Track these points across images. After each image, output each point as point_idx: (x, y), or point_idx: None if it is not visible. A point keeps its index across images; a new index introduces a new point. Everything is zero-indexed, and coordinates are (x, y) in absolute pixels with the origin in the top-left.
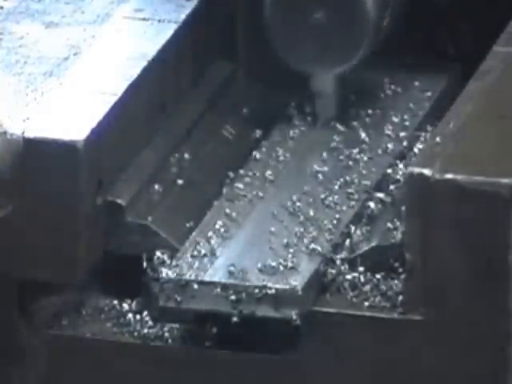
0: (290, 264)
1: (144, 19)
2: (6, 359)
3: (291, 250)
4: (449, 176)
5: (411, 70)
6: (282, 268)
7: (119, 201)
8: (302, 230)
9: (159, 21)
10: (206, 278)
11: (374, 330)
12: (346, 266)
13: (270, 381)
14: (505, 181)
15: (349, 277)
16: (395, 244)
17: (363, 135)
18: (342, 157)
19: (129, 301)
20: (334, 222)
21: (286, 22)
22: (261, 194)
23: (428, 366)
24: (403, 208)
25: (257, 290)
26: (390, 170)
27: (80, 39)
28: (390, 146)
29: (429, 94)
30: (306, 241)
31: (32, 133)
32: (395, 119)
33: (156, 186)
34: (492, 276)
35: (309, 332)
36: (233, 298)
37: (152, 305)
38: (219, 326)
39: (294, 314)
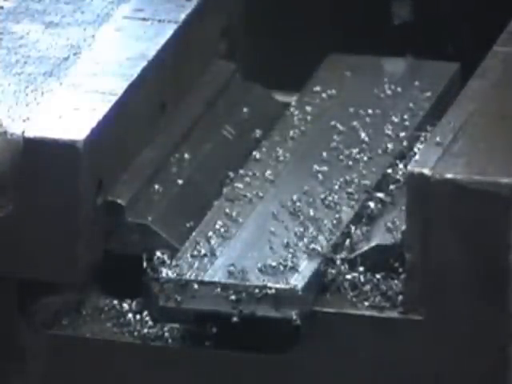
0: (290, 264)
1: (144, 19)
2: (6, 359)
3: (291, 250)
4: (449, 176)
5: (411, 70)
6: (282, 268)
7: (119, 201)
8: (301, 229)
9: (159, 21)
10: (206, 278)
11: (373, 330)
12: (346, 266)
13: (270, 381)
14: (505, 181)
15: (349, 277)
16: (395, 244)
17: (363, 135)
18: (341, 157)
19: (129, 301)
20: (334, 221)
21: None
22: (261, 194)
23: (428, 366)
24: (403, 208)
25: (257, 290)
26: (389, 170)
27: (80, 39)
28: (389, 146)
29: (429, 94)
30: (305, 241)
31: (32, 133)
32: (395, 119)
33: (156, 186)
34: (492, 276)
35: (309, 332)
36: (233, 298)
37: (152, 305)
38: (219, 326)
39: (294, 314)
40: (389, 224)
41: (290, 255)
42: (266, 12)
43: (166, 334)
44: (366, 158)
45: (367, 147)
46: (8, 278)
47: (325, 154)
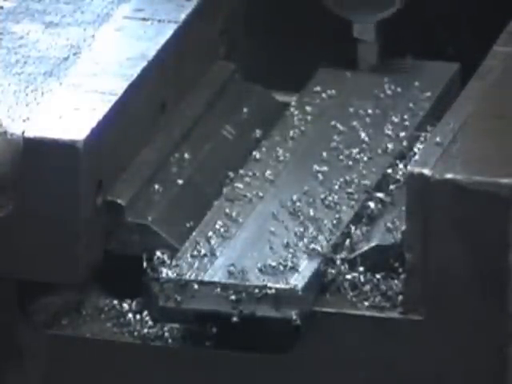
0: (290, 264)
1: (144, 19)
2: (6, 359)
3: (291, 250)
4: (449, 176)
5: (411, 70)
6: (281, 268)
7: (119, 201)
8: (301, 229)
9: (159, 21)
10: (206, 278)
11: (373, 329)
12: (346, 266)
13: (270, 381)
14: (505, 181)
15: (349, 277)
16: (395, 244)
17: (363, 135)
18: (342, 157)
19: (129, 301)
20: (334, 221)
21: None
22: (261, 194)
23: (428, 366)
24: (403, 208)
25: (257, 290)
26: (389, 170)
27: (80, 39)
28: (389, 146)
29: (429, 94)
30: (305, 241)
31: (32, 133)
32: (395, 119)
33: (156, 186)
34: (492, 276)
35: (309, 332)
36: (233, 298)
37: (152, 305)
38: (219, 326)
39: (294, 314)
40: (389, 224)
41: (290, 255)
42: (266, 12)
43: (166, 334)
44: (365, 158)
45: (367, 147)
46: (8, 278)
47: (325, 154)
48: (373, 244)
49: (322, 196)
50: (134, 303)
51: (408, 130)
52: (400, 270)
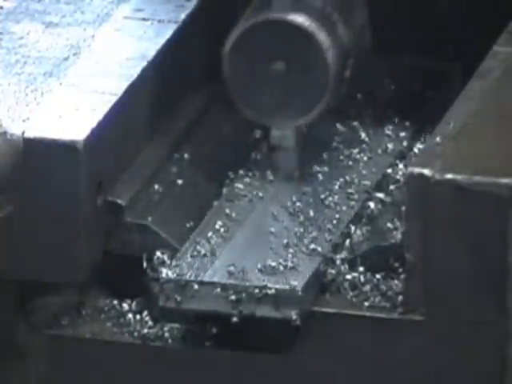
0: (290, 264)
1: (144, 19)
2: (6, 359)
3: (291, 250)
4: (449, 176)
5: (411, 70)
6: (282, 268)
7: (119, 201)
8: (301, 230)
9: (159, 21)
10: (206, 278)
11: (374, 329)
12: (346, 266)
13: (270, 381)
14: (505, 181)
15: (349, 277)
16: (395, 244)
17: (363, 135)
18: (341, 157)
19: (129, 301)
20: (334, 222)
21: (245, 73)
22: (261, 194)
23: (428, 366)
24: (403, 208)
25: (257, 290)
26: (389, 170)
27: (80, 39)
28: (389, 145)
29: (429, 94)
30: (306, 241)
31: (32, 133)
32: (395, 119)
33: (156, 186)
34: (492, 276)
35: (309, 332)
36: (233, 298)
37: (152, 305)
38: (219, 326)
39: (294, 314)
40: (389, 224)
41: (289, 255)
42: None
43: (166, 334)
44: (366, 158)
45: (367, 147)
46: (8, 278)
47: (325, 154)
48: (373, 244)
49: (322, 196)
50: (133, 303)
51: (408, 129)
52: (400, 270)
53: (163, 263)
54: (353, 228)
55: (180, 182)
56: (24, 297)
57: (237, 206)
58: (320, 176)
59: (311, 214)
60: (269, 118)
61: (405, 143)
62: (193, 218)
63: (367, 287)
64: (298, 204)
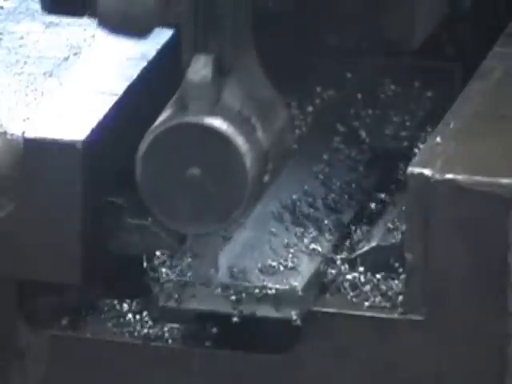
0: (290, 264)
1: None
2: (6, 359)
3: (291, 250)
4: (449, 176)
5: (411, 70)
6: (282, 268)
7: (119, 201)
8: (302, 230)
9: None
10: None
11: (374, 330)
12: (346, 266)
13: (270, 381)
14: (505, 181)
15: (349, 277)
16: (395, 244)
17: (363, 135)
18: (342, 157)
19: (129, 301)
20: (334, 222)
21: (159, 179)
22: None
23: (428, 366)
24: (403, 208)
25: (257, 290)
26: (390, 170)
27: (80, 39)
28: (389, 146)
29: (429, 94)
30: (306, 241)
31: (32, 133)
32: (395, 119)
33: None
34: (492, 276)
35: (309, 332)
36: (233, 298)
37: (152, 305)
38: (219, 326)
39: (294, 314)
40: (389, 224)
41: (290, 255)
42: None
43: (166, 334)
44: (366, 158)
45: (367, 147)
46: (8, 278)
47: (325, 154)
48: (373, 244)
49: (323, 196)
50: (133, 303)
51: (408, 130)
52: (400, 270)
53: (163, 263)
54: (353, 228)
55: None
56: (24, 297)
57: None
58: (320, 176)
59: (311, 214)
60: (184, 225)
61: (405, 143)
62: None
63: (367, 287)
64: (298, 204)
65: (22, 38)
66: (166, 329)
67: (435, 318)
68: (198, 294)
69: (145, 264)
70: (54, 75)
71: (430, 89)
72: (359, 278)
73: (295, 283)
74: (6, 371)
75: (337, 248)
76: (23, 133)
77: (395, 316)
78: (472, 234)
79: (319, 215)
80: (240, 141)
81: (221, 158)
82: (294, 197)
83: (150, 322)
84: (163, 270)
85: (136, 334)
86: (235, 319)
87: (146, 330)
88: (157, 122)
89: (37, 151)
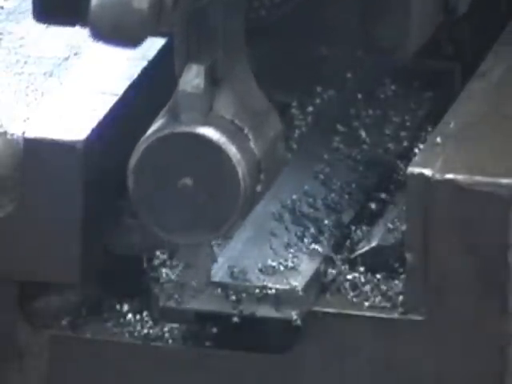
0: (290, 264)
1: None
2: (6, 359)
3: (291, 250)
4: (449, 176)
5: (411, 70)
6: (282, 268)
7: (119, 201)
8: (302, 230)
9: None
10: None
11: (373, 330)
12: (347, 266)
13: (270, 381)
14: (505, 181)
15: (349, 277)
16: (395, 244)
17: (363, 135)
18: (342, 157)
19: (129, 301)
20: (335, 222)
21: (151, 190)
22: None
23: (428, 366)
24: (403, 208)
25: (257, 290)
26: (390, 170)
27: (80, 39)
28: (390, 145)
29: (429, 94)
30: (306, 241)
31: (32, 133)
32: (395, 119)
33: None
34: (492, 276)
35: (309, 332)
36: (233, 298)
37: (152, 305)
38: (219, 326)
39: (294, 314)
40: (389, 224)
41: (290, 255)
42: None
43: (166, 334)
44: (366, 158)
45: (367, 147)
46: (8, 278)
47: (325, 154)
48: (373, 244)
49: (323, 196)
50: (134, 303)
51: (408, 130)
52: (400, 270)
53: (163, 263)
54: (353, 228)
55: None
56: (24, 297)
57: None
58: (320, 176)
59: (311, 213)
60: (176, 235)
61: (405, 143)
62: None
63: (367, 287)
64: (299, 204)
65: (22, 38)
66: (166, 329)
67: (435, 317)
68: (197, 294)
69: (145, 264)
70: (54, 75)
71: (430, 89)
72: (359, 278)
73: (295, 283)
74: (5, 371)
75: (337, 248)
76: (23, 133)
77: (395, 316)
78: (472, 233)
79: (319, 215)
80: (233, 150)
81: (213, 168)
82: (294, 197)
83: (150, 322)
84: (163, 270)
85: (136, 333)
86: (235, 319)
87: (146, 330)
88: (149, 132)
89: (37, 151)
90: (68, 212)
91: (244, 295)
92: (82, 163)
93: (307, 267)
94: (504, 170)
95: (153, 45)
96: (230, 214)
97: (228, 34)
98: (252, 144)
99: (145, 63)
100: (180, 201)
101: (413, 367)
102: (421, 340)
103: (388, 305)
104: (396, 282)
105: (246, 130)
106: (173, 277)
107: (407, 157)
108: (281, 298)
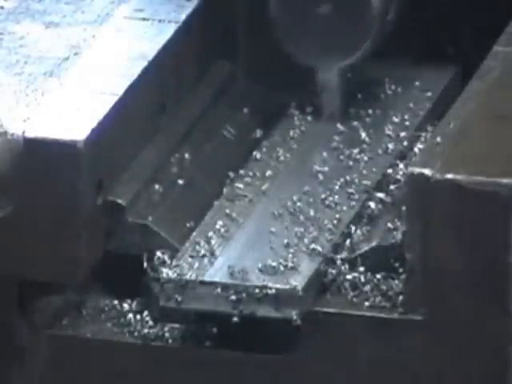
0: (290, 264)
1: (144, 19)
2: (6, 359)
3: (291, 250)
4: (449, 176)
5: (411, 70)
6: (282, 268)
7: (119, 201)
8: (302, 229)
9: (159, 21)
10: (207, 278)
11: (374, 329)
12: (347, 266)
13: (270, 381)
14: (505, 181)
15: (349, 277)
16: (395, 244)
17: (363, 135)
18: (342, 157)
19: (129, 301)
20: (335, 221)
21: (290, 16)
22: (261, 194)
23: (428, 366)
24: (403, 208)
25: (257, 290)
26: (390, 170)
27: (80, 39)
28: (390, 145)
29: (429, 94)
30: (306, 241)
31: (32, 133)
32: (395, 119)
33: (156, 186)
34: (492, 276)
35: (309, 332)
36: (233, 298)
37: (152, 305)
38: (219, 326)
39: (294, 314)
40: (389, 224)
41: (290, 255)
42: (267, 12)
43: (166, 334)
44: (366, 158)
45: (367, 147)
46: (8, 278)
47: (325, 154)
48: (373, 244)
49: (323, 196)
50: (134, 303)
51: (408, 129)
52: (400, 270)
53: (163, 263)
54: (353, 228)
55: (180, 181)
56: (24, 297)
57: (237, 206)
58: (320, 176)
59: (311, 213)
60: (314, 59)
61: (405, 143)
62: (193, 218)
63: (367, 287)
64: (298, 204)
65: (22, 37)
66: (166, 329)
67: (435, 317)
68: (198, 294)
69: (145, 264)
70: (54, 75)
71: (429, 89)
72: (359, 278)
73: (295, 283)
74: (6, 370)
75: (337, 248)
76: (23, 133)
77: (395, 316)
78: (472, 234)
79: (319, 215)
80: None
81: None
82: (294, 197)
83: (150, 322)
84: (163, 269)
85: (136, 333)
86: (235, 319)
87: (146, 330)
88: None
89: (37, 151)
90: (68, 212)
91: (244, 295)
92: (82, 163)
93: (307, 267)
94: (504, 169)
95: (153, 45)
96: (363, 40)
97: None
98: None
99: (145, 63)
100: (317, 26)
101: (413, 367)
102: (421, 340)
103: (388, 305)
104: (396, 281)
105: None
106: (173, 277)
107: (407, 157)
108: (281, 298)
